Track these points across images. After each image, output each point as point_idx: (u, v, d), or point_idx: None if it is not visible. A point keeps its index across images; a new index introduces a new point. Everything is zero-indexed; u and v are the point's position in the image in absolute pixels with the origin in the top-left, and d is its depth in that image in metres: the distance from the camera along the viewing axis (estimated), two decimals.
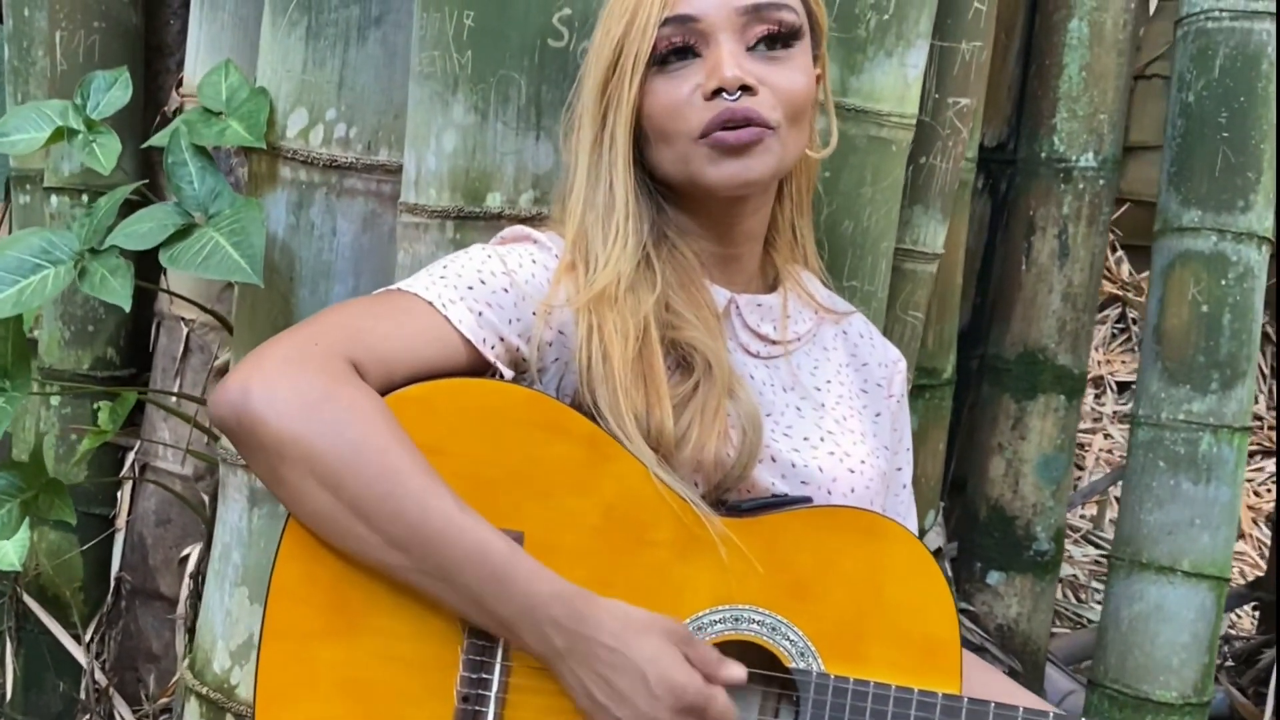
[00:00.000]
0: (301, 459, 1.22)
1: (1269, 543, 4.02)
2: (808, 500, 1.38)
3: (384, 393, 1.27)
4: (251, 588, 1.77)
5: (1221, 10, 2.42)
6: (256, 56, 2.22)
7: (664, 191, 1.45)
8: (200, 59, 2.23)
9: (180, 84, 2.28)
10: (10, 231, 2.53)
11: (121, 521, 2.29)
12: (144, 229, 1.70)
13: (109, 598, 2.30)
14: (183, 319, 2.22)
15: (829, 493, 1.42)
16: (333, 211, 1.73)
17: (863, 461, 1.47)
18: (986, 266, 2.77)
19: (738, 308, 1.48)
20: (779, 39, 1.41)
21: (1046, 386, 2.68)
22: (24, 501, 1.85)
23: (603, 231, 1.40)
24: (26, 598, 2.29)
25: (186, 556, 2.21)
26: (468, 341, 1.32)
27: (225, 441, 1.79)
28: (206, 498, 2.20)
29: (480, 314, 1.33)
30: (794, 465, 1.42)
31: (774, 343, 1.50)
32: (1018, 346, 2.69)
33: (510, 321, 1.34)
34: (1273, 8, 2.41)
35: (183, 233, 1.70)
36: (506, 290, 1.35)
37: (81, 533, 2.28)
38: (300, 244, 1.73)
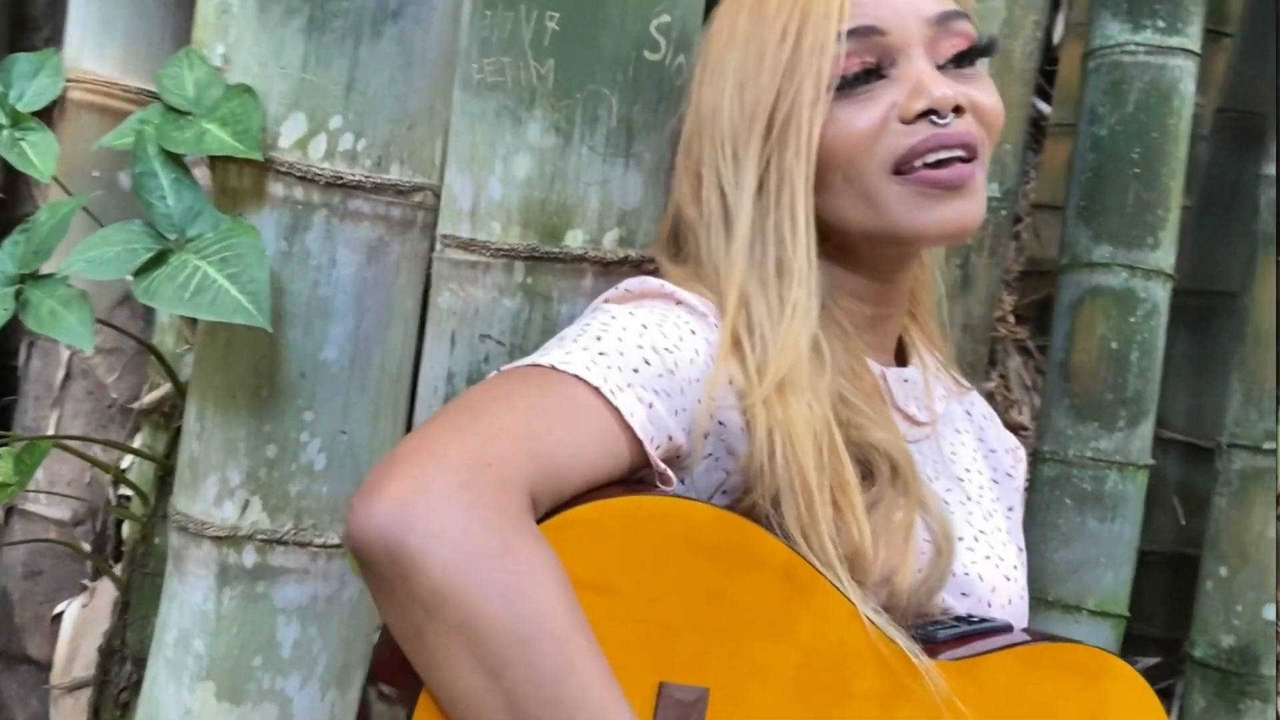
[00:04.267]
0: (460, 626, 0.89)
1: None
2: (1007, 628, 1.11)
3: (550, 513, 0.93)
4: (220, 683, 1.38)
5: (1137, 44, 2.26)
6: (160, 39, 1.82)
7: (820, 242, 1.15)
8: (88, 38, 1.80)
9: None
10: None
11: None
12: (109, 254, 1.30)
13: None
14: None
15: (989, 604, 1.17)
16: (333, 238, 1.36)
17: (1015, 567, 1.22)
18: None
19: (886, 384, 1.19)
20: (969, 54, 1.13)
21: None
22: None
23: (771, 301, 1.09)
24: None
25: (60, 614, 1.77)
26: (637, 441, 0.99)
27: (182, 504, 1.39)
28: (88, 546, 1.76)
29: (650, 406, 1.01)
30: (954, 574, 1.14)
31: (919, 424, 1.21)
32: None
33: (676, 413, 1.03)
34: (1188, 44, 2.26)
35: (158, 259, 1.29)
36: (672, 372, 1.03)
37: None
38: (293, 275, 1.35)
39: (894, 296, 1.21)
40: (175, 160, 1.35)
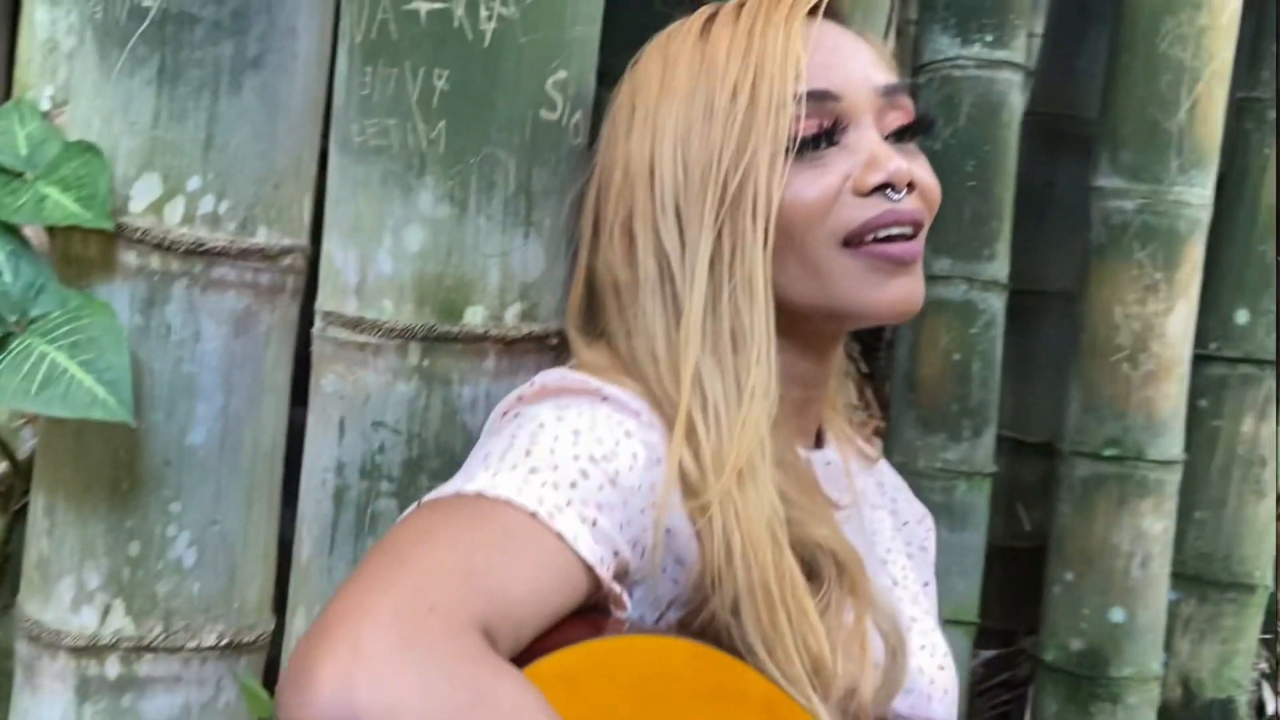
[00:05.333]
0: None
1: None
2: None
3: (517, 662, 0.80)
4: None
5: (967, 58, 2.20)
6: None
7: None
8: None
9: None
10: None
11: None
12: None
13: None
14: None
15: (929, 698, 1.07)
16: (196, 310, 1.19)
17: (945, 653, 1.12)
18: None
19: (811, 469, 1.08)
20: (910, 129, 1.04)
21: None
22: None
23: (728, 381, 0.99)
24: None
25: None
26: (588, 567, 0.86)
27: (32, 610, 1.21)
28: None
29: (594, 523, 0.88)
30: None
31: (840, 508, 1.11)
32: None
33: (621, 527, 0.91)
34: (1014, 58, 2.22)
35: None
36: (614, 483, 0.91)
37: None
38: (152, 353, 1.19)
39: (823, 377, 1.11)
40: (10, 230, 1.17)
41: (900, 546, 1.20)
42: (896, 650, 1.00)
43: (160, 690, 1.20)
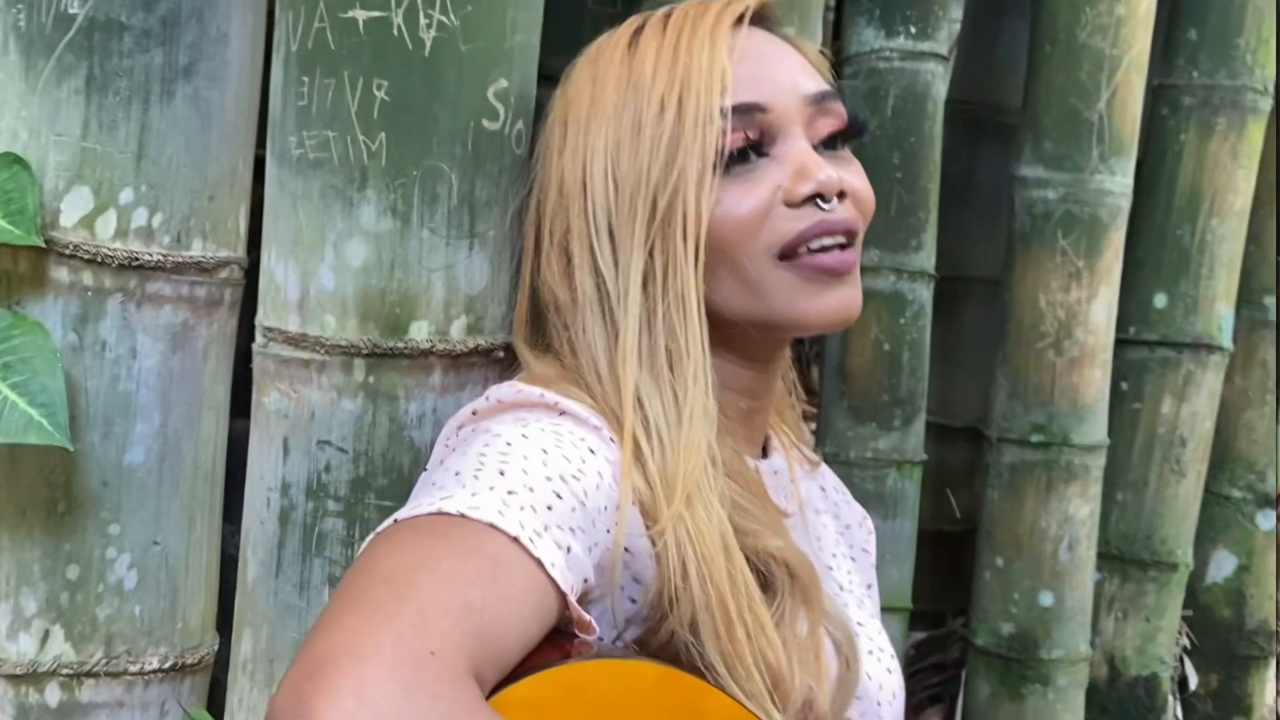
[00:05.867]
0: None
1: None
2: None
3: (492, 690, 0.78)
4: None
5: (891, 50, 2.19)
6: None
7: None
8: None
9: None
10: None
11: None
12: None
13: None
14: None
15: (878, 704, 1.06)
16: (131, 326, 1.15)
17: (892, 656, 1.12)
18: None
19: (760, 478, 1.07)
20: (842, 135, 1.02)
21: None
22: None
23: (666, 398, 0.98)
24: None
25: None
26: (561, 594, 0.85)
27: None
28: None
29: (569, 549, 0.87)
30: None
31: (787, 515, 1.09)
32: None
33: (590, 550, 0.89)
34: (938, 49, 2.21)
35: None
36: (583, 504, 0.89)
37: None
38: (87, 371, 1.14)
39: (768, 387, 1.09)
40: None
41: (844, 551, 1.19)
42: (850, 659, 0.99)
43: (103, 716, 1.16)
